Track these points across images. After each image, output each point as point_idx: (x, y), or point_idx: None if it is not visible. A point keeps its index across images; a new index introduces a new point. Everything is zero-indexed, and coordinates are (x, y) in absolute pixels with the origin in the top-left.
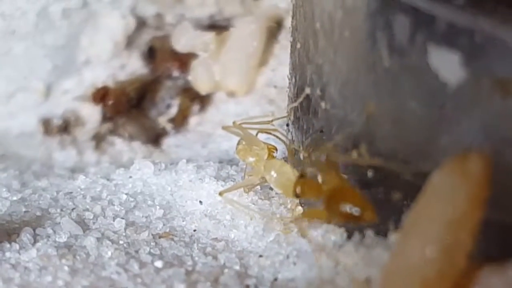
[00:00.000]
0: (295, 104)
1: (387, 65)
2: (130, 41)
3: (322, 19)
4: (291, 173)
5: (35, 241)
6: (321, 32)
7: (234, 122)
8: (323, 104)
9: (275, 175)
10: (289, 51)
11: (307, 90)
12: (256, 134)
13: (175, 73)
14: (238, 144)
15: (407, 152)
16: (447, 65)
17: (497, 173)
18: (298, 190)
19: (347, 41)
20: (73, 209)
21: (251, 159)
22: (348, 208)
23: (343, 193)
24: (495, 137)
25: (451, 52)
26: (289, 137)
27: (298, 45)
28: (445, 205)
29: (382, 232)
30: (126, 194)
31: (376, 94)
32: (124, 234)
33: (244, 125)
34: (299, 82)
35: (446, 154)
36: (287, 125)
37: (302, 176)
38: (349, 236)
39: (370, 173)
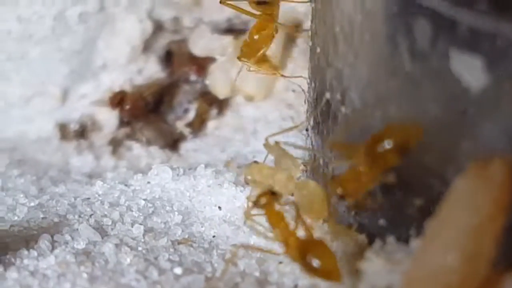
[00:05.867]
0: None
1: (408, 70)
2: (147, 45)
3: (342, 23)
4: (322, 194)
5: (53, 248)
6: (341, 36)
7: (266, 140)
8: (343, 109)
9: (306, 195)
10: (307, 55)
11: (327, 95)
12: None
13: (193, 77)
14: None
15: (430, 158)
16: (469, 70)
17: None
18: (339, 190)
19: (368, 45)
20: (91, 215)
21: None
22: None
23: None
24: None
25: (473, 57)
26: (308, 142)
27: (318, 49)
28: (468, 211)
29: (403, 239)
30: (144, 199)
31: (397, 99)
32: (142, 240)
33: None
34: (319, 87)
35: (468, 159)
36: (307, 129)
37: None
38: (370, 243)
39: (391, 178)
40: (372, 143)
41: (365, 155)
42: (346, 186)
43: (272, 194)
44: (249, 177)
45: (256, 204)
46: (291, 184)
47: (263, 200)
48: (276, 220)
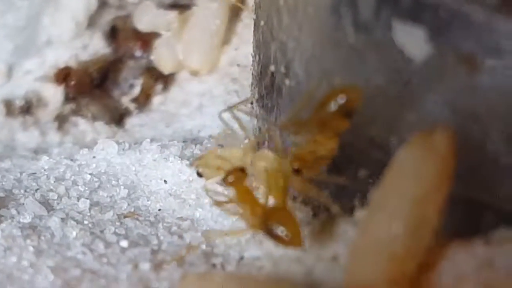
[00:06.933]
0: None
1: (352, 41)
2: (92, 21)
3: None
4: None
5: None
6: (284, 8)
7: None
8: (287, 82)
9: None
10: (252, 29)
11: (272, 68)
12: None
13: (138, 52)
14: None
15: (373, 129)
16: (412, 40)
17: (462, 148)
18: (295, 165)
19: (311, 18)
20: (37, 189)
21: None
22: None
23: None
24: (460, 113)
25: (416, 27)
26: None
27: (262, 23)
28: (411, 181)
29: (348, 209)
30: (90, 174)
31: (341, 71)
32: (88, 214)
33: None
34: (263, 60)
35: (412, 130)
36: (251, 103)
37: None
38: (315, 214)
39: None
40: (318, 109)
41: (315, 123)
42: (304, 160)
43: (241, 171)
44: (200, 169)
45: (224, 181)
46: (248, 157)
47: (231, 178)
48: (245, 196)
